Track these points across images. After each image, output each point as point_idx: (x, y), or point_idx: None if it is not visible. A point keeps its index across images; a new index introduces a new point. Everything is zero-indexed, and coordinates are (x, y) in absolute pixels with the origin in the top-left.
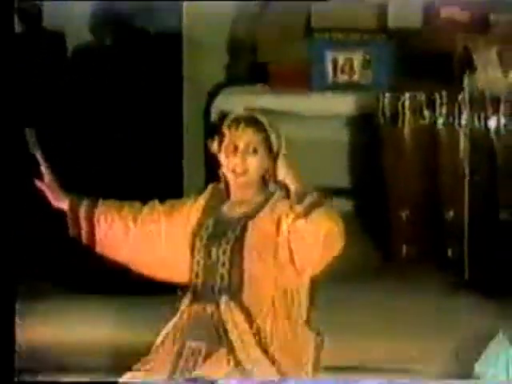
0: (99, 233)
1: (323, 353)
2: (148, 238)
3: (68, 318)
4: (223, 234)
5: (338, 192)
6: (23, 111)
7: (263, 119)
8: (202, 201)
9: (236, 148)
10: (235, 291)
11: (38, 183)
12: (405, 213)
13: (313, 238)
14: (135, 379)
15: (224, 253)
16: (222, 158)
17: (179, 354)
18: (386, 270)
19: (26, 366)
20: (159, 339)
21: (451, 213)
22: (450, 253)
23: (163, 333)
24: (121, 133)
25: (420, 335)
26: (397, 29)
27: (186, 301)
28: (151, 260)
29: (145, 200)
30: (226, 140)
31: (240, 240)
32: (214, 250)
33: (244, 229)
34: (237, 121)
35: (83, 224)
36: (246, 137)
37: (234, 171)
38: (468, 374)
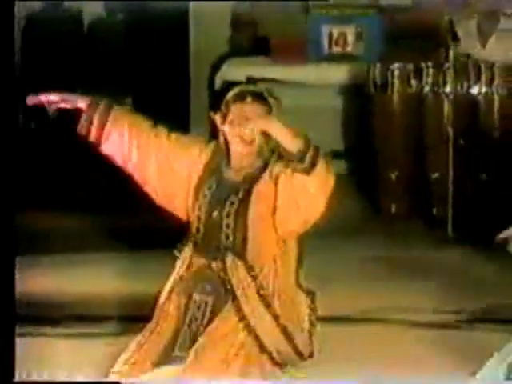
0: (108, 132)
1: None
2: (153, 158)
3: (69, 272)
4: (226, 197)
5: (332, 154)
6: (46, 76)
7: (267, 92)
8: (206, 154)
9: (242, 118)
10: (240, 250)
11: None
12: (394, 174)
13: (319, 190)
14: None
15: (228, 215)
16: (226, 128)
17: (186, 308)
18: (376, 225)
19: (27, 315)
20: (164, 294)
21: (436, 174)
22: (435, 211)
23: (168, 286)
24: (132, 98)
25: (407, 285)
26: (387, 4)
27: (187, 249)
28: (151, 178)
29: None
30: (234, 112)
31: (244, 203)
32: (215, 213)
33: (248, 193)
34: (243, 94)
35: (96, 121)
36: (254, 109)
37: (243, 141)
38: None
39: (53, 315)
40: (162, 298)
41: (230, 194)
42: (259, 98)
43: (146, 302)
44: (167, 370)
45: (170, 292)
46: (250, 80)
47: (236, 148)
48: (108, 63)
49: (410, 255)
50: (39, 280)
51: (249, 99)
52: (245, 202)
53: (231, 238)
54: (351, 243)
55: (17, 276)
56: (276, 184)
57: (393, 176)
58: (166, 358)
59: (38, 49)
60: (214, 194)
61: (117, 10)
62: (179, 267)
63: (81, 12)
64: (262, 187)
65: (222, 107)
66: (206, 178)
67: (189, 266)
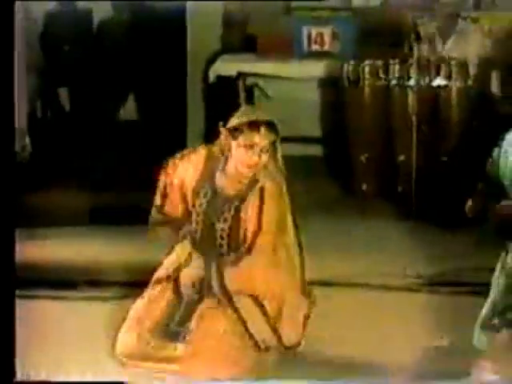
0: None
1: None
2: None
3: (66, 242)
4: (220, 212)
5: (310, 140)
6: (62, 68)
7: (276, 121)
8: (200, 162)
9: (253, 146)
10: (234, 259)
11: None
12: (364, 156)
13: None
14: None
15: (223, 229)
16: (234, 149)
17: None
18: (349, 203)
19: (27, 279)
20: (161, 274)
21: (402, 157)
22: (400, 189)
23: (166, 266)
24: (136, 89)
25: (376, 255)
26: (360, 7)
27: (186, 242)
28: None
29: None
30: (246, 138)
31: (236, 218)
32: (211, 223)
33: (238, 210)
34: (257, 124)
35: None
36: (265, 139)
37: (249, 166)
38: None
39: (53, 279)
40: (159, 274)
41: (223, 208)
42: (271, 127)
43: (144, 270)
44: (165, 365)
45: (168, 275)
46: (241, 75)
47: (240, 169)
48: (114, 57)
49: (379, 228)
50: (39, 249)
51: (262, 130)
52: (237, 217)
53: (225, 247)
54: (327, 218)
55: (18, 246)
56: (262, 197)
57: (363, 159)
58: (164, 331)
59: (55, 43)
60: (210, 203)
61: (123, 11)
62: (178, 255)
63: (91, 12)
64: (249, 203)
65: (233, 127)
66: (201, 184)
67: (186, 260)
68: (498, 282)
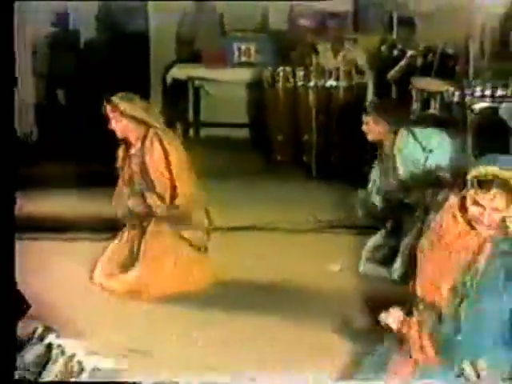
0: None
1: (224, 214)
2: None
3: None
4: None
5: (240, 125)
6: (55, 79)
7: None
8: None
9: None
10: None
11: None
12: (280, 137)
13: None
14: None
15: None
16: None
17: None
18: (268, 169)
19: (29, 226)
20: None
21: (306, 136)
22: (304, 159)
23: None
24: (112, 89)
25: (286, 206)
26: (275, 30)
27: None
28: None
29: None
30: None
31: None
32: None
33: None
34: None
35: None
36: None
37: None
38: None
39: (48, 226)
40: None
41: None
42: None
43: (116, 220)
44: (127, 278)
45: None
46: (190, 79)
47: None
48: (96, 67)
49: (289, 186)
50: (39, 206)
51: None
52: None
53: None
54: (252, 181)
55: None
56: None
57: (279, 138)
58: (129, 265)
59: (54, 56)
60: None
61: (103, 31)
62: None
63: (79, 32)
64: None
65: None
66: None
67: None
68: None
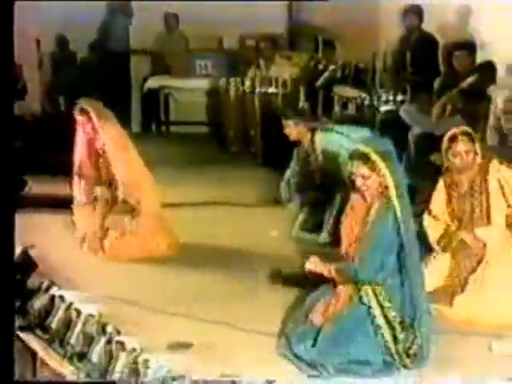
0: None
1: (188, 193)
2: None
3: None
4: None
5: (201, 123)
6: (57, 88)
7: None
8: None
9: None
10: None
11: None
12: (232, 132)
13: None
14: None
15: None
16: None
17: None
18: (223, 159)
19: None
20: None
21: (252, 132)
22: (252, 149)
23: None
24: (103, 97)
25: (237, 187)
26: (229, 49)
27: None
28: None
29: None
30: None
31: None
32: None
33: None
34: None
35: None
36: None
37: None
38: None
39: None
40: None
41: None
42: None
43: None
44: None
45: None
46: (162, 88)
47: None
48: (89, 78)
49: (241, 173)
50: (44, 186)
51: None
52: None
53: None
54: (210, 167)
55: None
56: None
57: (231, 133)
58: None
59: (55, 71)
60: None
61: (95, 51)
62: None
63: (76, 52)
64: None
65: None
66: None
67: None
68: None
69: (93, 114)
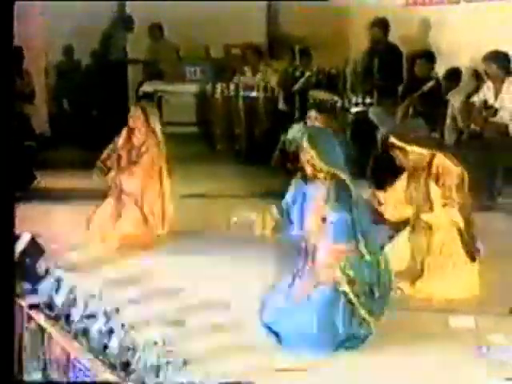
0: None
1: (180, 187)
2: None
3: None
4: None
5: (191, 124)
6: (62, 92)
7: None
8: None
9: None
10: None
11: None
12: (218, 131)
13: None
14: None
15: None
16: None
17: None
18: (209, 155)
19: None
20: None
21: (238, 130)
22: (237, 147)
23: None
24: (102, 99)
25: (222, 182)
26: (215, 58)
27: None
28: None
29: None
30: None
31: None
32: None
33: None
34: None
35: None
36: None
37: None
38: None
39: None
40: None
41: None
42: None
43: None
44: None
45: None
46: (156, 91)
47: None
48: (92, 84)
49: (226, 169)
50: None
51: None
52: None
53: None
54: (199, 164)
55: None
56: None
57: (218, 132)
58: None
59: (64, 77)
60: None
61: (97, 59)
62: None
63: (80, 61)
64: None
65: None
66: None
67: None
68: None
69: (148, 112)
